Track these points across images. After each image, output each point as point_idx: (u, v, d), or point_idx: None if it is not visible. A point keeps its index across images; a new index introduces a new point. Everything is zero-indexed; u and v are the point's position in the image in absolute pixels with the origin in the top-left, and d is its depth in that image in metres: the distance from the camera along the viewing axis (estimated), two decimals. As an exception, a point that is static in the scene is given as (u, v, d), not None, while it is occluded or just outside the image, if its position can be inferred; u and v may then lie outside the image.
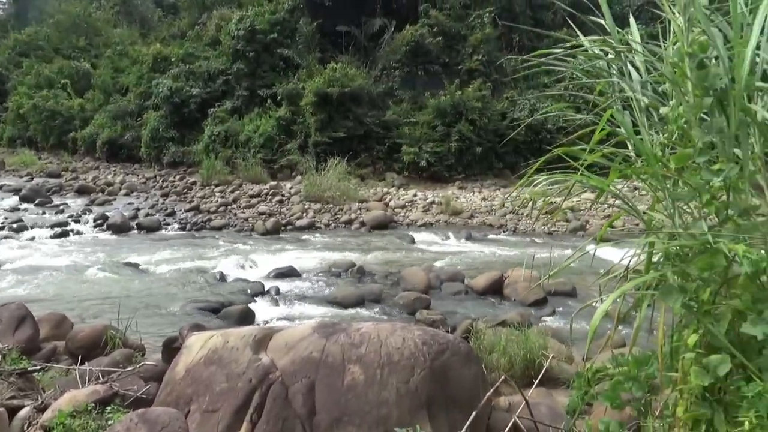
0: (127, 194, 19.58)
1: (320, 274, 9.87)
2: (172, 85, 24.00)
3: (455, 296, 8.64)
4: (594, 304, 2.69)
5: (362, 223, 14.83)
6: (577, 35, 2.94)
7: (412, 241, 12.99)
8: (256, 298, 8.49)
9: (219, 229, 14.46)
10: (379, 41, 23.88)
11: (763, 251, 1.93)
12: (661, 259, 2.32)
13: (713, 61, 2.21)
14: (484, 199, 17.45)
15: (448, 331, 6.37)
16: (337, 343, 3.98)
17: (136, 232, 13.97)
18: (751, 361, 1.81)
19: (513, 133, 17.31)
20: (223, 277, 9.61)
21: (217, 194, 18.53)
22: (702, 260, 1.80)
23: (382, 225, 14.65)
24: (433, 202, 16.79)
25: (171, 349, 5.16)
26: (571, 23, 3.14)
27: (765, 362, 1.73)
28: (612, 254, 3.24)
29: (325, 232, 14.31)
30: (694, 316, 1.91)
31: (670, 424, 2.23)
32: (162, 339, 5.62)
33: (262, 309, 7.97)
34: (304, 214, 15.66)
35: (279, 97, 22.30)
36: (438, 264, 10.53)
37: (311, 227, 14.71)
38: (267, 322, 7.39)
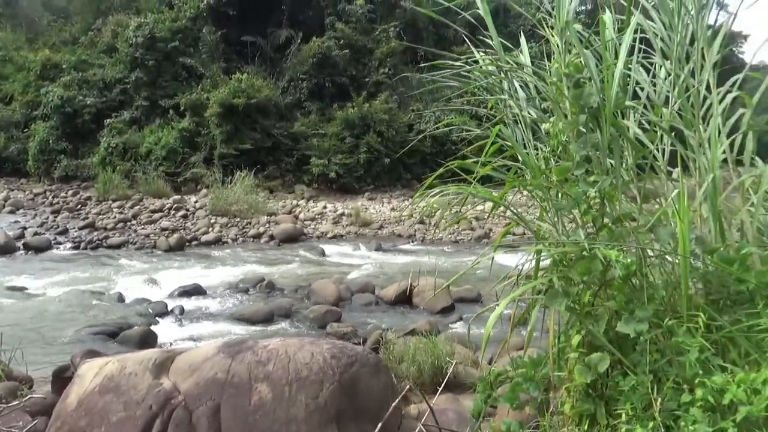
0: (12, 212, 18.01)
1: (228, 291, 9.58)
2: (64, 94, 22.48)
3: (366, 307, 8.68)
4: (496, 308, 2.81)
5: (271, 237, 14.58)
6: (480, 51, 3.09)
7: (323, 253, 12.93)
8: (158, 319, 8.07)
9: (117, 246, 13.65)
10: (285, 52, 23.73)
11: (635, 255, 2.11)
12: (550, 265, 2.47)
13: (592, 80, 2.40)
14: (393, 209, 17.74)
15: (358, 343, 6.39)
16: (244, 362, 3.87)
17: (22, 252, 12.87)
18: (627, 357, 1.97)
19: (415, 143, 17.78)
20: (121, 298, 9.06)
21: (114, 210, 17.51)
22: (581, 265, 1.94)
23: (292, 238, 14.48)
24: (342, 214, 16.83)
25: (62, 379, 4.79)
26: (467, 41, 3.29)
27: (637, 358, 1.89)
28: (513, 260, 3.41)
29: (232, 247, 13.91)
30: (576, 318, 2.05)
31: (563, 421, 2.37)
32: (52, 369, 5.20)
33: (165, 330, 7.59)
34: (210, 229, 15.15)
35: (182, 108, 21.53)
36: (349, 276, 10.55)
37: (218, 242, 14.25)
38: (171, 344, 7.05)
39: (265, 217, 16.09)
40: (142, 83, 22.68)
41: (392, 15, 24.28)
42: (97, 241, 13.89)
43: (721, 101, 2.39)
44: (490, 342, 2.31)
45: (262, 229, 15.11)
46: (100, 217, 16.63)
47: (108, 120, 22.53)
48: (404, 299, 8.81)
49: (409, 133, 21.01)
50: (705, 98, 2.41)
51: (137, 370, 3.92)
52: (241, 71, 21.78)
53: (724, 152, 2.33)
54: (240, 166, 18.78)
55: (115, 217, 16.48)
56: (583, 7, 23.70)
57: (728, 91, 2.42)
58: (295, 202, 18.51)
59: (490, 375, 3.11)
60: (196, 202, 17.81)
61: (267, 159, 20.77)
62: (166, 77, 22.98)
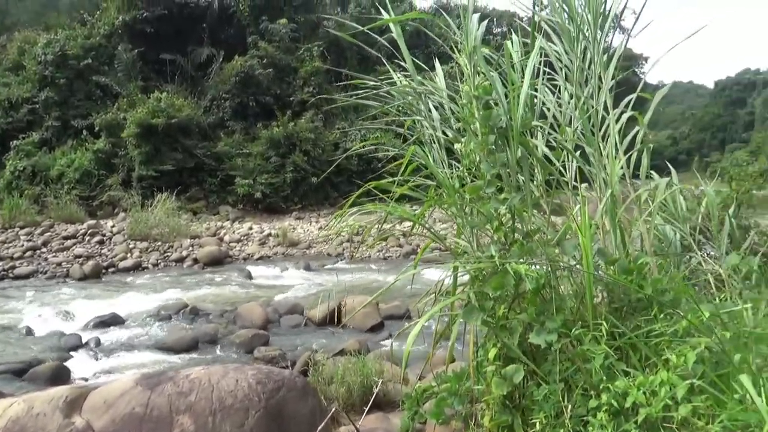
0: None
1: (148, 319, 9.14)
2: (-36, 115, 20.96)
3: (295, 329, 8.55)
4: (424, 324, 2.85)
5: (195, 260, 14.12)
6: (399, 72, 3.15)
7: (249, 275, 12.65)
8: (72, 353, 7.56)
9: (26, 277, 12.77)
10: (207, 71, 23.27)
11: (545, 268, 2.21)
12: (468, 281, 2.54)
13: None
14: (321, 228, 17.65)
15: (286, 367, 6.28)
16: (164, 394, 3.71)
17: None
18: (540, 367, 2.04)
19: (342, 162, 17.83)
20: (30, 332, 8.45)
21: (22, 237, 16.35)
22: (495, 280, 2.00)
23: (217, 261, 14.08)
24: (269, 235, 16.57)
25: (-41, 424, 4.39)
26: (388, 61, 3.35)
27: (549, 367, 1.96)
28: (442, 275, 3.47)
29: (153, 273, 13.33)
30: (492, 331, 2.11)
31: (485, 433, 2.42)
32: (-53, 414, 4.75)
33: (79, 365, 7.13)
34: (129, 255, 14.47)
35: (97, 128, 20.57)
36: (276, 297, 10.36)
37: (137, 268, 13.62)
38: (86, 380, 6.63)
39: (189, 240, 15.56)
40: (53, 102, 21.50)
41: (315, 34, 24.38)
42: (3, 272, 12.94)
43: (618, 120, 2.56)
44: (422, 359, 2.35)
45: (185, 253, 14.60)
46: (6, 245, 15.48)
47: (15, 141, 21.16)
48: (334, 319, 8.74)
49: (335, 152, 21.06)
50: (604, 118, 2.58)
51: (46, 410, 3.67)
52: (161, 90, 21.13)
53: (622, 168, 2.50)
54: (161, 188, 18.14)
55: (23, 245, 15.40)
56: (499, 30, 24.82)
57: (623, 112, 2.59)
58: (219, 223, 18.04)
59: (416, 391, 3.13)
60: (113, 226, 16.97)
61: (190, 180, 20.17)
62: (78, 96, 21.90)
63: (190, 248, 14.98)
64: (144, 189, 18.72)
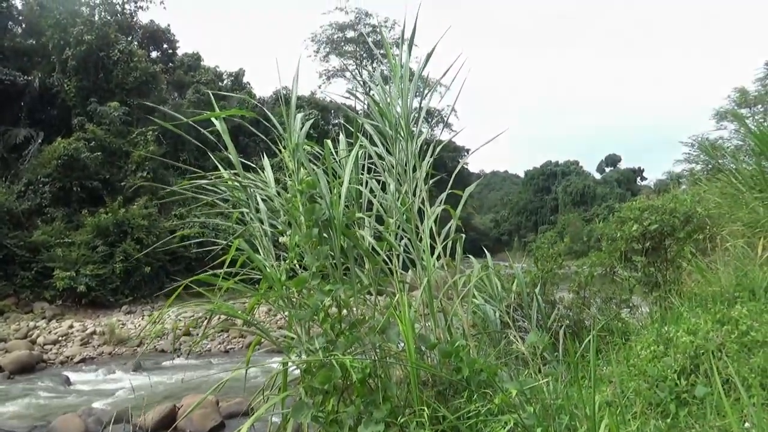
0: None
1: (-71, 448, 7.56)
2: None
3: (121, 440, 7.60)
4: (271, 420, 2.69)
5: (-1, 369, 12.15)
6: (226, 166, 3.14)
7: (67, 382, 11.16)
8: None
9: None
10: (23, 153, 21.17)
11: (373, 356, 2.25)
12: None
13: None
14: (155, 323, 16.29)
15: (106, 487, 5.52)
16: None
17: None
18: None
19: (180, 249, 16.95)
20: None
21: None
22: (321, 375, 1.99)
23: (28, 367, 12.26)
24: (94, 333, 14.91)
25: None
26: (224, 147, 3.33)
27: (379, 459, 1.96)
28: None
29: (-59, 388, 11.16)
30: (322, 427, 2.07)
31: None
32: None
33: None
34: None
35: None
36: (99, 405, 9.21)
37: None
38: None
39: (-9, 345, 13.41)
40: None
41: (149, 118, 23.60)
42: None
43: (434, 213, 2.78)
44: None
45: (-16, 361, 12.49)
46: None
47: None
48: (168, 423, 7.94)
49: (172, 239, 19.96)
50: (421, 210, 2.79)
51: None
52: (-38, 174, 18.72)
53: (439, 256, 2.69)
54: (-44, 286, 15.63)
55: None
56: (337, 121, 26.11)
57: (439, 205, 2.83)
58: (33, 323, 15.84)
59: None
60: None
61: (-4, 274, 17.69)
62: None
63: (-8, 355, 12.89)
64: (-67, 287, 15.99)
